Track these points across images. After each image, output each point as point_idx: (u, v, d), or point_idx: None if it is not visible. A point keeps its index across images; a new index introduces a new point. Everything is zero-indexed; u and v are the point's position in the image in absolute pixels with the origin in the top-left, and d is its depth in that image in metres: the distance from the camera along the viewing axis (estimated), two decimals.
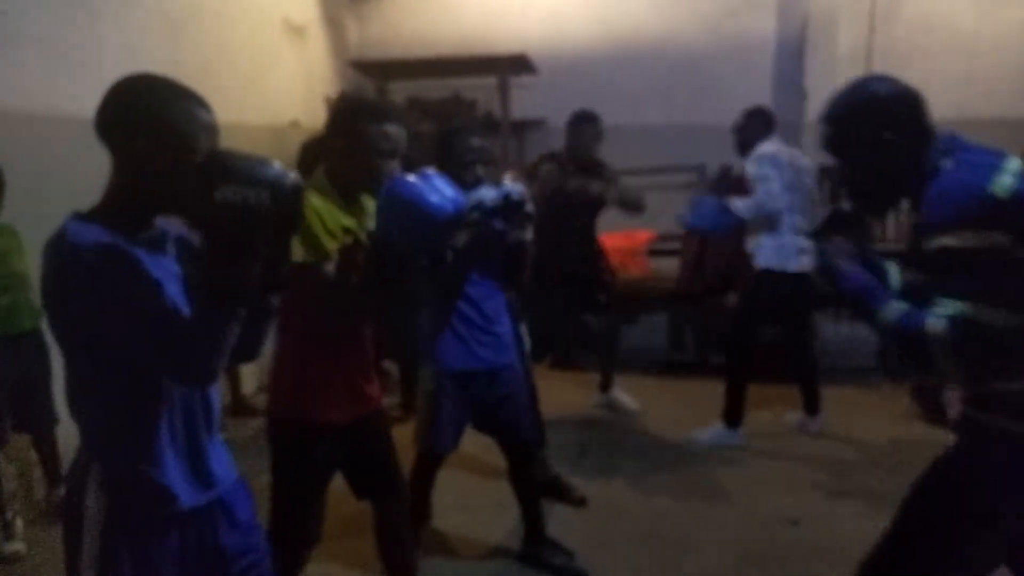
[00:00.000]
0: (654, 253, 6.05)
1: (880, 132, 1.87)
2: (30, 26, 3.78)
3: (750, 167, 4.39)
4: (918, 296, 1.85)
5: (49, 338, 3.46)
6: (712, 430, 4.53)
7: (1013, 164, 1.77)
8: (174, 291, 1.55)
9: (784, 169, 4.29)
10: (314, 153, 2.46)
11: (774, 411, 4.85)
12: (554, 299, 4.52)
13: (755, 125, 4.50)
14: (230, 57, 5.19)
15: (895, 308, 1.86)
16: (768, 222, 4.34)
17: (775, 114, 4.57)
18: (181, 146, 1.51)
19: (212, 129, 1.58)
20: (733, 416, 4.50)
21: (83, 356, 1.54)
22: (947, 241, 1.72)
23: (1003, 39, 6.06)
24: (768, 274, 4.38)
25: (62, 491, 3.64)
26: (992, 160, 1.78)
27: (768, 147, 4.36)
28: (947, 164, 1.81)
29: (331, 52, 6.72)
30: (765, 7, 6.49)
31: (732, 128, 4.58)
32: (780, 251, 4.33)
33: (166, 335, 1.46)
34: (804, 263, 4.26)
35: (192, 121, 1.55)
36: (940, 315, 1.75)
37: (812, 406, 4.65)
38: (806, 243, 4.36)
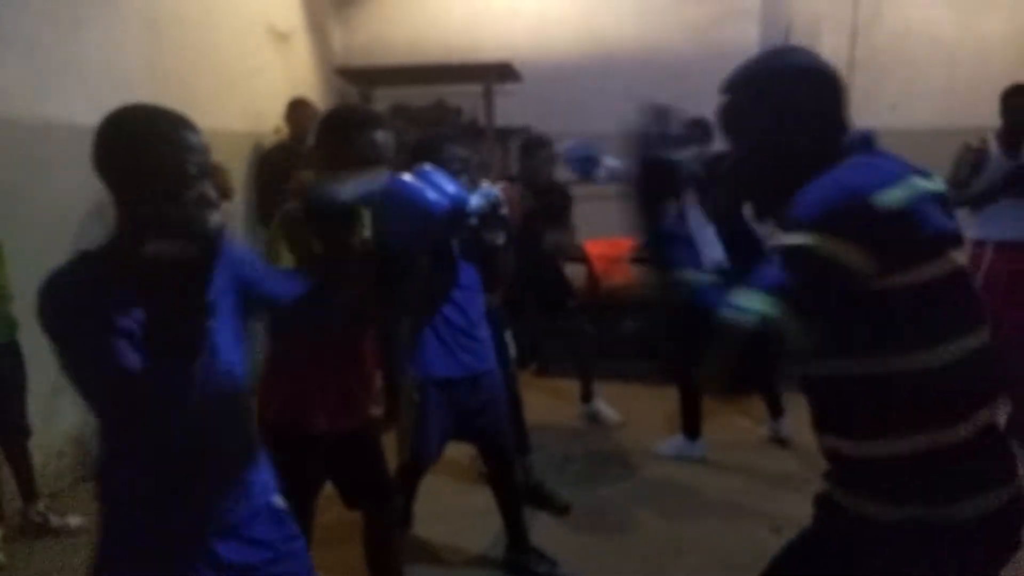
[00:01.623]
0: (637, 261, 6.04)
1: (786, 107, 1.52)
2: (11, 30, 3.75)
3: None
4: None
5: (25, 350, 3.45)
6: (673, 442, 4.53)
7: (920, 181, 1.43)
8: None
9: None
10: (274, 160, 2.49)
11: (753, 419, 4.86)
12: (527, 307, 4.49)
13: (696, 137, 4.27)
14: (214, 63, 5.17)
15: (697, 275, 1.46)
16: None
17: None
18: (169, 173, 1.49)
19: (199, 149, 1.55)
20: (692, 427, 4.48)
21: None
22: (797, 240, 1.37)
23: (984, 48, 6.12)
24: None
25: (39, 506, 3.61)
26: (894, 170, 1.44)
27: None
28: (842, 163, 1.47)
29: (316, 59, 6.70)
30: (749, 15, 6.53)
31: None
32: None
33: (113, 386, 1.46)
34: None
35: (177, 145, 1.52)
36: (746, 307, 1.35)
37: (775, 409, 4.60)
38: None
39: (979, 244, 4.41)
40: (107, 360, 1.45)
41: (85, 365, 1.46)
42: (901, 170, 1.44)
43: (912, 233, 1.38)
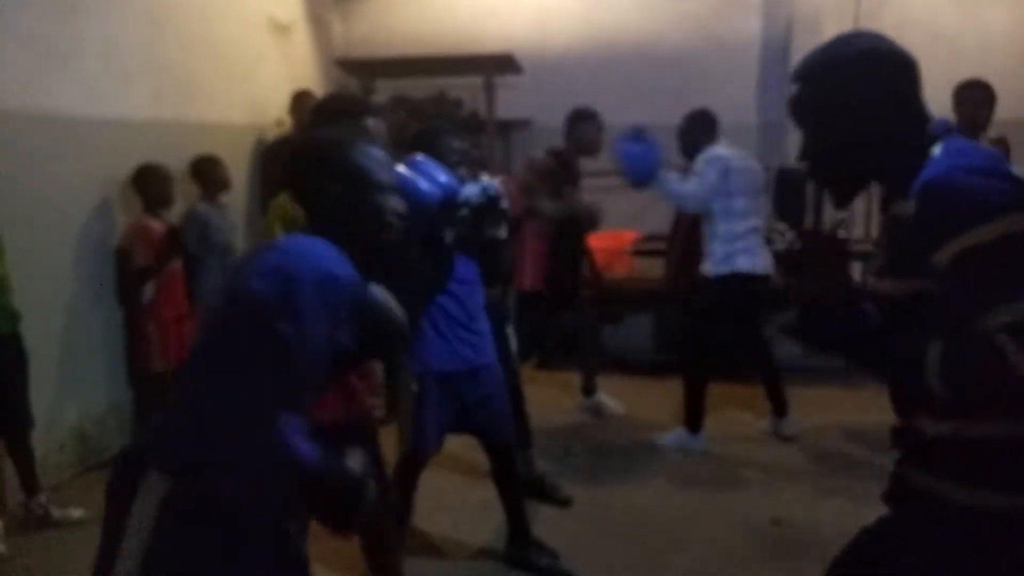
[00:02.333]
0: (639, 253, 6.06)
1: (859, 93, 1.48)
2: (11, 23, 3.74)
3: (699, 164, 4.31)
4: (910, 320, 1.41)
5: (27, 342, 3.45)
6: (674, 434, 4.53)
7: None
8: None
9: (735, 173, 4.26)
10: (279, 153, 2.50)
11: (755, 412, 4.86)
12: (535, 299, 4.48)
13: (698, 128, 4.46)
14: (214, 55, 5.16)
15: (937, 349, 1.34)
16: (707, 215, 4.33)
17: (717, 116, 4.52)
18: (366, 182, 1.73)
19: (389, 164, 1.82)
20: (694, 420, 4.47)
21: None
22: (965, 243, 1.31)
23: (987, 41, 6.10)
24: (719, 278, 4.31)
25: (41, 498, 3.60)
26: (986, 149, 1.51)
27: (720, 150, 4.33)
28: (938, 151, 1.45)
29: (316, 50, 6.69)
30: (750, 8, 6.51)
31: (676, 132, 4.52)
32: (730, 254, 4.28)
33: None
34: (755, 264, 4.30)
35: (369, 159, 1.76)
36: (1004, 326, 1.26)
37: (779, 408, 4.61)
38: (761, 243, 4.45)
39: None
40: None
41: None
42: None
43: None
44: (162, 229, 4.23)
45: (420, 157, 2.24)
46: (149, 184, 4.25)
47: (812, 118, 1.55)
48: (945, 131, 1.50)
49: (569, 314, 4.84)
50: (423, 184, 2.13)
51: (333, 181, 1.72)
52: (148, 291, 4.21)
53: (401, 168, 2.16)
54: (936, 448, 1.44)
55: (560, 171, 4.38)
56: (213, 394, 1.57)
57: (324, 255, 1.60)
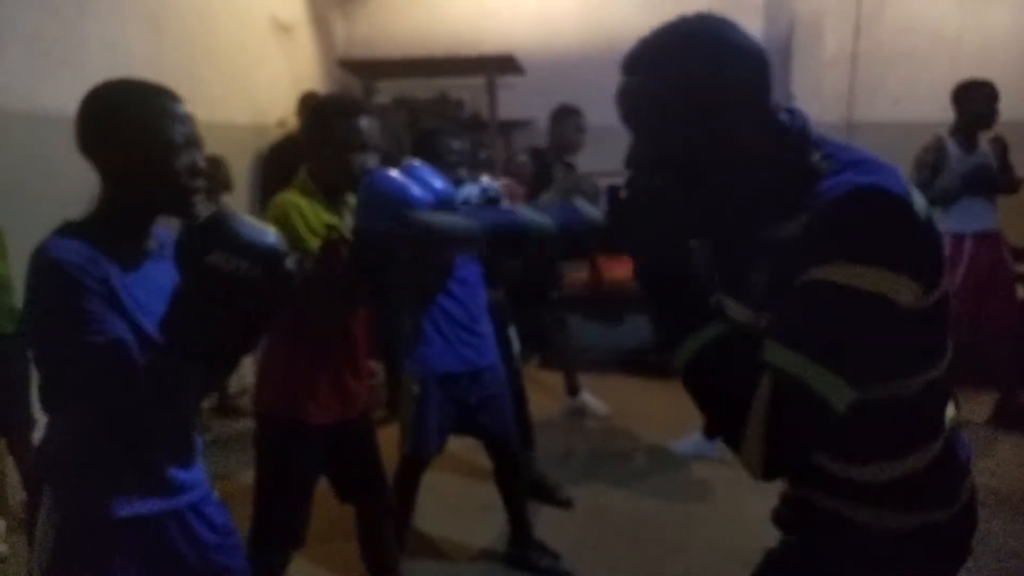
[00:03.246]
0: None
1: (720, 87, 1.21)
2: (13, 23, 3.75)
3: None
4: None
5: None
6: (691, 440, 4.46)
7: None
8: (157, 308, 1.54)
9: None
10: (282, 153, 2.48)
11: None
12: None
13: None
14: (216, 56, 5.17)
15: (707, 333, 1.20)
16: None
17: None
18: (154, 139, 1.52)
19: (185, 119, 1.58)
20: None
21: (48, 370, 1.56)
22: (826, 274, 1.11)
23: (987, 42, 6.10)
24: None
25: None
26: (887, 164, 1.20)
27: None
28: (824, 163, 1.21)
29: (319, 51, 6.70)
30: (752, 9, 6.50)
31: None
32: None
33: (109, 371, 1.45)
34: None
35: (162, 113, 1.55)
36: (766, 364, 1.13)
37: None
38: None
39: (957, 237, 4.40)
40: (107, 335, 1.45)
41: (74, 336, 1.45)
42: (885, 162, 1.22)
43: (939, 247, 1.22)
44: None
45: (417, 162, 2.24)
46: None
47: (651, 118, 1.26)
48: (803, 124, 1.26)
49: (541, 314, 4.82)
50: (415, 190, 2.13)
51: (114, 140, 1.54)
52: None
53: (396, 173, 2.16)
54: (835, 480, 1.34)
55: (539, 174, 4.39)
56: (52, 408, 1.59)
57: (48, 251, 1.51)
